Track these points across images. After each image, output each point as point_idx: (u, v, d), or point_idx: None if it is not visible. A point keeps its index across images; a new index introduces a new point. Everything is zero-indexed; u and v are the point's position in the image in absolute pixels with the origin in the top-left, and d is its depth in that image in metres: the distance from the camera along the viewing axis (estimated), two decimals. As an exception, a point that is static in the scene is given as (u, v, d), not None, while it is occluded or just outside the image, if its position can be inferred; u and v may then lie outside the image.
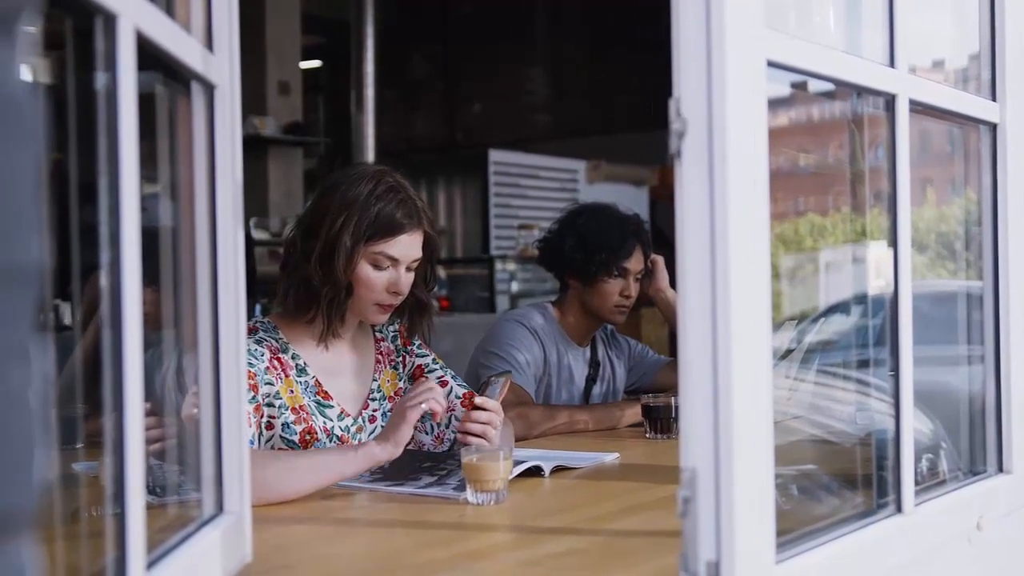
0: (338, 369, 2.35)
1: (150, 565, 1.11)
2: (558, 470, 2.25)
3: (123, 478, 1.03)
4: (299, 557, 1.68)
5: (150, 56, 1.13)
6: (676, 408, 2.72)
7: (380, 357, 2.44)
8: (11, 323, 0.60)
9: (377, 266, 2.25)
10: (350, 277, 2.24)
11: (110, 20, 1.02)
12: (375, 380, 2.41)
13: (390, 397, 2.42)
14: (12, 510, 0.60)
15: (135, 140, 1.05)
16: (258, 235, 7.01)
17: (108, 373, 1.03)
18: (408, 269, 2.29)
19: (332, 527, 1.86)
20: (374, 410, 2.39)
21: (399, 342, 2.48)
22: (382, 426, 2.35)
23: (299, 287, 2.26)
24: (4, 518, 0.59)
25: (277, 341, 2.27)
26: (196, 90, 1.37)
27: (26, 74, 0.62)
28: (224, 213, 1.40)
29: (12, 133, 0.59)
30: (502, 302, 7.59)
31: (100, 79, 1.04)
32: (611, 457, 2.42)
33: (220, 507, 1.41)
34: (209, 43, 1.38)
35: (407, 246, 2.27)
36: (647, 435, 2.74)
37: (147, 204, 1.13)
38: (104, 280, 1.03)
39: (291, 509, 1.96)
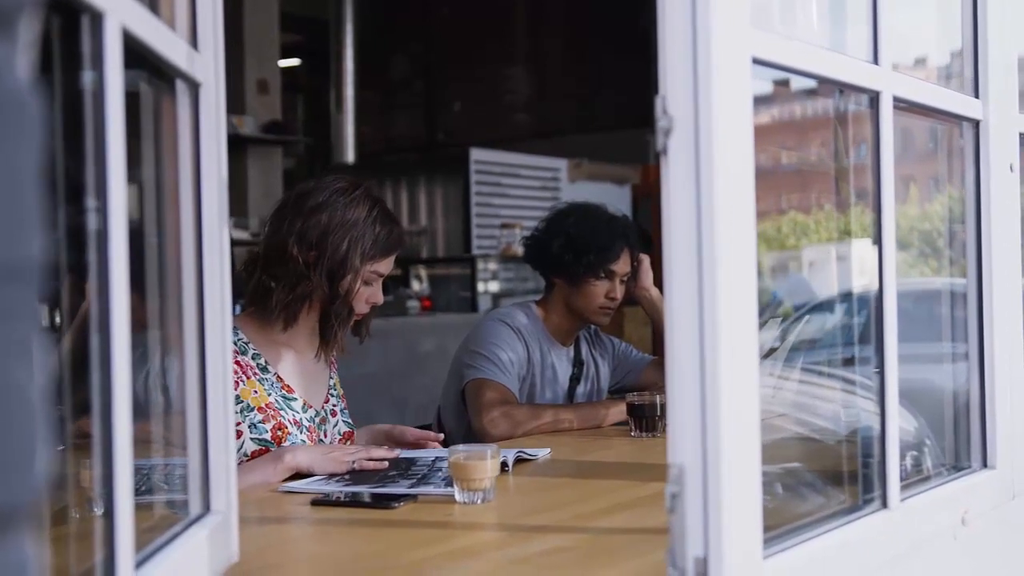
0: (299, 367, 2.44)
1: (138, 565, 1.10)
2: (519, 461, 2.30)
3: (111, 479, 1.02)
4: (286, 557, 1.68)
5: (134, 54, 1.13)
6: (661, 406, 2.72)
7: (333, 358, 2.56)
8: (15, 318, 0.60)
9: (366, 282, 2.38)
10: (354, 296, 2.36)
11: (96, 18, 1.01)
12: (331, 378, 2.54)
13: (342, 396, 2.56)
14: (16, 504, 0.60)
15: (122, 138, 1.05)
16: (237, 235, 6.98)
17: (96, 374, 1.02)
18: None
19: (319, 527, 1.85)
20: (333, 405, 2.51)
21: (335, 354, 2.60)
22: (343, 420, 2.51)
23: (300, 300, 2.34)
24: (9, 512, 0.59)
25: (236, 343, 2.30)
26: (181, 88, 1.36)
27: (27, 72, 0.62)
28: (209, 212, 1.39)
29: (16, 131, 0.60)
30: (484, 302, 7.59)
31: (86, 77, 1.03)
32: (543, 453, 2.45)
33: (207, 507, 1.40)
34: (194, 41, 1.38)
35: (392, 263, 2.45)
36: (632, 433, 2.74)
37: (130, 204, 1.12)
38: (91, 280, 1.02)
39: (278, 510, 1.95)
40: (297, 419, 2.35)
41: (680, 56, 1.20)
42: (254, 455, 2.25)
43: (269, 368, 2.36)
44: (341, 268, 2.32)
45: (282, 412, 2.33)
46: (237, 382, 2.26)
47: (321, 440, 2.41)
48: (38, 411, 0.61)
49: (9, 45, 0.60)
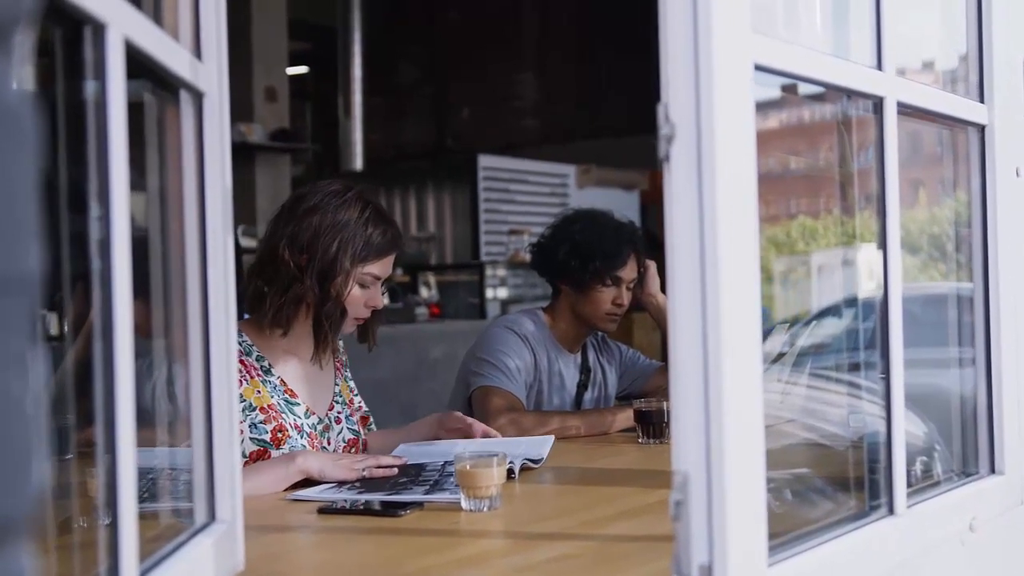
0: (303, 374, 2.44)
1: (143, 574, 1.10)
2: (525, 469, 2.31)
3: (115, 488, 1.03)
4: (292, 565, 1.68)
5: (138, 64, 1.13)
6: (668, 412, 2.71)
7: (338, 365, 2.56)
8: (10, 331, 0.60)
9: (362, 285, 2.38)
10: (345, 297, 2.34)
11: (99, 29, 1.01)
12: (336, 385, 2.53)
13: (348, 402, 2.55)
14: (11, 516, 0.60)
15: (124, 149, 1.05)
16: (246, 243, 6.98)
17: (99, 383, 1.03)
18: (383, 285, 2.44)
19: (325, 535, 1.85)
20: (338, 412, 2.51)
21: (345, 357, 2.62)
22: (347, 428, 2.50)
23: (293, 303, 2.34)
24: (5, 524, 0.60)
25: (240, 344, 2.31)
26: (185, 98, 1.37)
27: (23, 83, 0.63)
28: (214, 221, 1.40)
29: (11, 142, 0.60)
30: (492, 308, 7.59)
31: (89, 88, 1.04)
32: (548, 440, 2.50)
33: (212, 516, 1.40)
34: (197, 51, 1.38)
35: (390, 265, 2.43)
36: (639, 440, 2.74)
37: (135, 213, 1.13)
38: (94, 290, 1.03)
39: (283, 518, 1.95)
40: (298, 424, 2.35)
41: (682, 63, 1.20)
42: (253, 456, 2.26)
43: (273, 371, 2.37)
44: (331, 269, 2.32)
45: (283, 415, 2.33)
46: (240, 380, 2.27)
47: (324, 447, 2.41)
48: (34, 423, 0.62)
49: (5, 57, 0.60)
